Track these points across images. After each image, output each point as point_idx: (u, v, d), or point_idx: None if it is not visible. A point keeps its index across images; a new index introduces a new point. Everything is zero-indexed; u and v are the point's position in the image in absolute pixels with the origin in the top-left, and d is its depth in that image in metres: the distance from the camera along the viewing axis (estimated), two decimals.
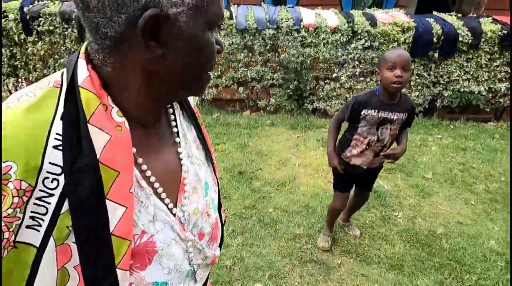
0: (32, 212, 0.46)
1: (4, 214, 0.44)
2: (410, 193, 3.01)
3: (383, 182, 3.13)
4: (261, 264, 2.19)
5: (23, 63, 4.46)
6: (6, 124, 0.45)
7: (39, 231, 0.46)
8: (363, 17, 4.23)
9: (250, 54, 4.32)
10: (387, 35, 4.13)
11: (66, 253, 0.48)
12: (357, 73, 4.35)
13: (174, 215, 0.61)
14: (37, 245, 0.46)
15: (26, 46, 4.34)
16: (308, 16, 4.22)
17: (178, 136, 0.65)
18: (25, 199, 0.45)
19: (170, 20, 0.47)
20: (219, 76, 4.48)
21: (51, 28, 4.20)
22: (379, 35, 4.14)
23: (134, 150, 0.54)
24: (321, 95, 4.54)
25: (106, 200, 0.48)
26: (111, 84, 0.52)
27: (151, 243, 0.56)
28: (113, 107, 0.52)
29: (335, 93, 4.51)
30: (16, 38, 4.26)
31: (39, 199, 0.46)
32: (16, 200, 0.44)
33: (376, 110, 1.88)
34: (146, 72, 0.52)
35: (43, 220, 0.46)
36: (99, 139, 0.48)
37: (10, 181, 0.44)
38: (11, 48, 4.35)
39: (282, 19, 4.14)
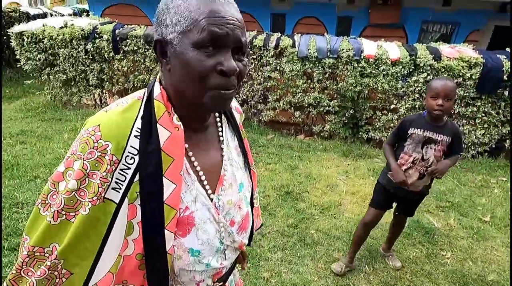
0: (116, 178, 0.67)
1: (100, 175, 0.65)
2: (463, 234, 2.87)
3: (433, 219, 3.02)
4: (297, 281, 2.26)
5: (109, 77, 5.12)
6: (110, 119, 0.68)
7: (119, 192, 0.67)
8: (427, 51, 4.20)
9: (309, 81, 4.49)
10: (451, 70, 4.04)
11: (133, 211, 0.69)
12: (417, 106, 4.28)
13: (212, 200, 0.79)
14: (117, 202, 0.67)
15: (113, 63, 4.99)
16: (369, 47, 4.30)
17: (222, 143, 0.84)
18: (113, 168, 0.66)
19: (168, 43, 0.67)
20: (277, 100, 4.70)
21: (135, 48, 4.80)
22: (443, 70, 4.06)
23: (186, 145, 0.74)
24: (377, 126, 4.53)
25: (163, 177, 0.69)
26: (171, 99, 0.74)
27: (191, 218, 0.75)
28: (174, 115, 0.73)
29: (392, 124, 4.47)
30: (106, 56, 4.92)
31: (121, 170, 0.67)
32: (108, 167, 0.66)
33: (422, 130, 2.00)
34: (172, 88, 0.72)
35: (122, 185, 0.67)
36: (163, 134, 0.70)
37: (107, 154, 0.66)
38: (101, 64, 5.03)
39: (343, 49, 4.27)
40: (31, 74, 5.30)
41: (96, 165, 0.65)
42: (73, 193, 0.65)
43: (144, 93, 0.74)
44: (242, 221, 0.86)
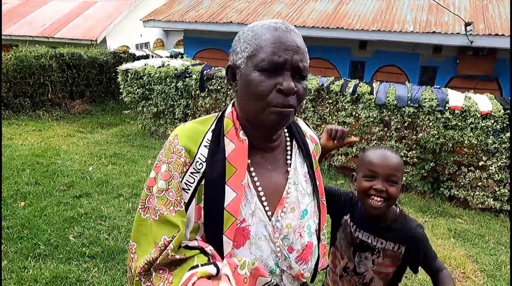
0: (186, 180, 0.76)
1: (178, 177, 0.75)
2: None
3: None
4: None
5: (192, 112, 5.59)
6: (185, 129, 0.81)
7: (188, 193, 0.76)
8: None
9: (386, 128, 4.34)
10: None
11: (199, 212, 0.76)
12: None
13: (270, 219, 0.80)
14: (186, 201, 0.75)
15: (198, 100, 5.46)
16: (456, 98, 4.05)
17: (289, 166, 0.87)
18: (185, 169, 0.76)
19: (237, 66, 0.78)
20: (350, 146, 4.61)
21: (218, 87, 5.21)
22: None
23: (249, 161, 0.80)
24: (462, 183, 4.12)
25: (226, 184, 0.75)
26: (239, 117, 0.83)
27: (247, 230, 0.78)
28: (241, 130, 0.81)
29: (480, 183, 4.03)
30: (193, 93, 5.42)
31: (191, 173, 0.76)
32: (181, 168, 0.75)
33: (354, 226, 1.22)
34: (239, 107, 0.81)
35: (191, 186, 0.76)
36: (229, 146, 0.78)
37: (181, 157, 0.76)
38: (187, 100, 5.54)
39: (425, 98, 4.09)
40: (129, 106, 6.05)
41: (175, 166, 0.75)
42: (163, 192, 0.75)
43: (219, 113, 0.86)
44: (302, 250, 0.84)
